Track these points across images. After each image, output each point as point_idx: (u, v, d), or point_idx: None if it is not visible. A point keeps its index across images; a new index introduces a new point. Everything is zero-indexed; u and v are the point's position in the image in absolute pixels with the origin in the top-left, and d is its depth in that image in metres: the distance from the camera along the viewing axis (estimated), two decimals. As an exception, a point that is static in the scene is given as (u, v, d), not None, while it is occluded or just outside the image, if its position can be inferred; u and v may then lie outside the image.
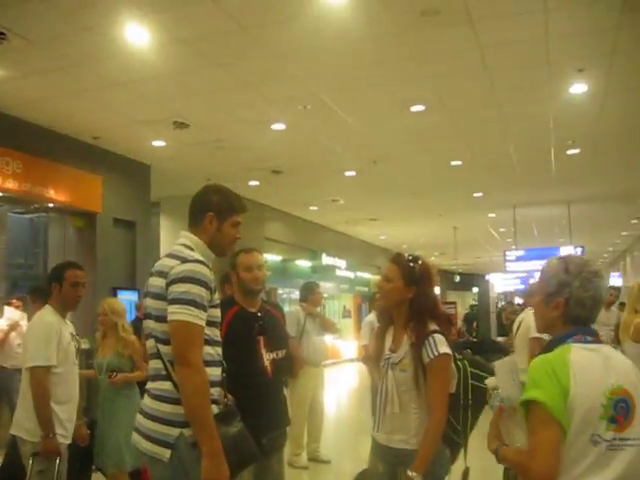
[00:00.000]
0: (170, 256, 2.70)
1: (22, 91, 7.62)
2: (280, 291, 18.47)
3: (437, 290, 33.21)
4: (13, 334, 7.41)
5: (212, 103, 8.22)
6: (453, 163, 11.68)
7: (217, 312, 2.72)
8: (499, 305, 22.02)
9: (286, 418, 3.88)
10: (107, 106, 8.22)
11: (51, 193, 8.90)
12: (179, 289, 2.53)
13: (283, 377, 3.97)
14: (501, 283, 19.81)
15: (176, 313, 2.50)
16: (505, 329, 14.27)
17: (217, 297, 2.71)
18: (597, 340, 2.14)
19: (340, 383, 12.03)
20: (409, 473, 2.83)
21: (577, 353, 2.05)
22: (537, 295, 2.31)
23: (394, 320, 3.14)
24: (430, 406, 2.92)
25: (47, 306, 3.99)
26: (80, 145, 9.61)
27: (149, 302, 2.69)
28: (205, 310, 2.56)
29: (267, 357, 3.69)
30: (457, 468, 3.09)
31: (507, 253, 17.38)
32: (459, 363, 3.06)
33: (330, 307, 22.20)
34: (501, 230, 20.28)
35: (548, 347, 2.15)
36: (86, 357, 9.28)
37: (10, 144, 8.25)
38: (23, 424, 3.77)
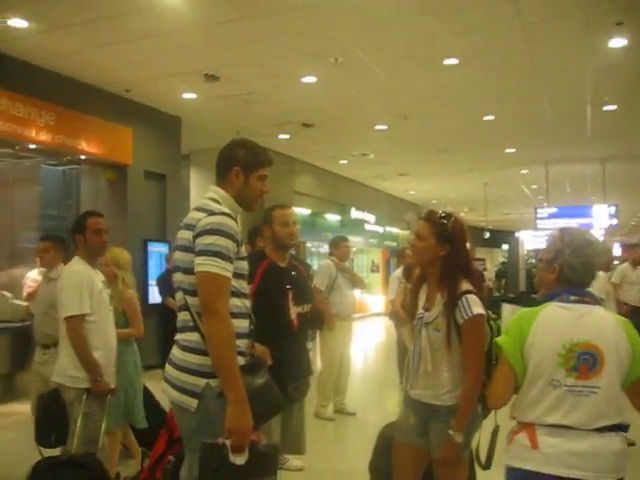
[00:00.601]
0: (198, 209, 2.73)
1: (53, 43, 7.64)
2: (309, 245, 18.54)
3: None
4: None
5: (243, 56, 8.16)
6: (485, 118, 11.49)
7: (244, 265, 2.76)
8: (529, 262, 21.85)
9: (309, 369, 4.04)
10: (138, 58, 8.21)
11: (83, 145, 8.98)
12: (206, 241, 2.56)
13: (309, 330, 4.08)
14: (531, 240, 19.58)
15: (203, 265, 2.54)
16: (534, 286, 14.19)
17: (244, 250, 2.75)
18: (581, 300, 2.46)
19: (367, 337, 12.13)
20: (450, 432, 2.87)
21: (549, 310, 2.46)
22: (541, 261, 2.66)
23: (427, 278, 3.13)
24: (466, 366, 2.92)
25: (75, 257, 4.05)
26: (111, 97, 9.65)
27: (178, 255, 2.73)
28: (232, 262, 2.59)
29: (294, 310, 3.85)
30: (487, 424, 3.10)
31: (538, 210, 17.16)
32: (492, 323, 3.03)
33: (358, 261, 22.25)
34: (533, 187, 20.00)
35: (532, 303, 2.57)
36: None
37: (43, 96, 8.31)
38: (65, 372, 3.87)
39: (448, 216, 3.08)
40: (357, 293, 7.47)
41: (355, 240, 20.29)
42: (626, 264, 9.61)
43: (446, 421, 2.92)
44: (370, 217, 21.01)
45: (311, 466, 5.50)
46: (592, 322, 2.41)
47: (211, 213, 2.64)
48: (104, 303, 3.99)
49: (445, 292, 2.97)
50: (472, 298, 2.92)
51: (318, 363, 7.43)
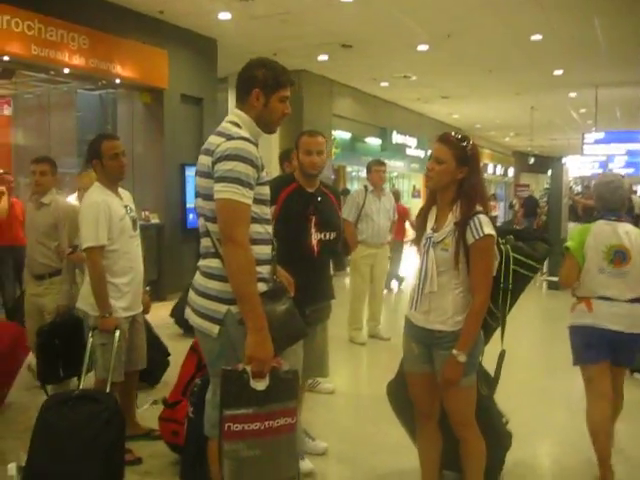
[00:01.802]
0: (217, 134, 2.66)
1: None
2: (349, 169, 18.40)
3: (510, 172, 32.42)
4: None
5: (277, -27, 7.88)
6: (533, 38, 10.99)
7: (265, 190, 2.69)
8: (574, 190, 21.34)
9: (330, 293, 4.04)
10: (170, -23, 8.00)
11: (117, 69, 8.88)
12: (225, 167, 2.49)
13: (330, 257, 4.08)
14: (578, 167, 19.06)
15: (222, 191, 2.48)
16: (578, 216, 13.86)
17: (265, 174, 2.67)
18: (618, 220, 3.83)
19: (404, 263, 12.09)
20: (454, 352, 2.87)
21: (597, 225, 3.83)
22: (584, 194, 4.40)
23: (438, 201, 3.09)
24: (474, 287, 2.91)
25: (94, 184, 4.01)
26: (145, 19, 9.48)
27: (198, 180, 2.69)
28: (252, 188, 2.53)
29: (315, 237, 3.81)
30: (489, 350, 3.11)
31: (586, 135, 16.65)
32: (502, 247, 3.04)
33: (399, 186, 22.05)
34: (581, 111, 19.33)
35: (588, 221, 3.99)
36: (156, 232, 9.64)
37: (75, 19, 8.18)
38: (88, 299, 3.91)
39: (465, 138, 3.03)
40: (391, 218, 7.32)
41: (396, 165, 20.04)
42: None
43: (450, 348, 2.91)
44: (412, 141, 20.65)
45: (342, 389, 5.58)
46: (623, 232, 3.76)
47: (230, 138, 2.57)
48: (126, 229, 3.96)
49: (458, 212, 2.94)
50: (484, 218, 2.91)
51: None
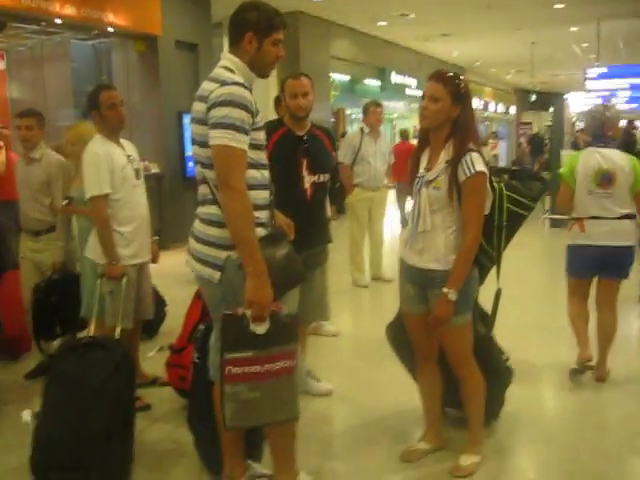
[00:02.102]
0: (210, 79, 2.64)
1: None
2: (348, 111, 18.19)
3: (512, 110, 32.05)
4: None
5: None
6: (532, -30, 10.76)
7: (261, 135, 2.69)
8: (577, 126, 21.12)
9: (326, 236, 4.12)
10: None
11: (110, 17, 8.72)
12: (219, 113, 2.48)
13: (324, 199, 4.10)
14: (581, 103, 18.81)
15: (217, 138, 2.48)
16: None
17: (260, 119, 2.66)
18: (603, 145, 4.25)
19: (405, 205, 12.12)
20: (444, 290, 2.90)
21: (586, 152, 4.30)
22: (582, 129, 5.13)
23: (431, 141, 3.08)
24: (465, 225, 2.93)
25: (95, 136, 3.99)
26: (136, -37, 9.25)
27: (193, 127, 2.68)
28: (247, 133, 2.52)
29: (308, 180, 3.85)
30: (484, 289, 3.16)
31: (588, 70, 16.37)
32: (495, 185, 3.04)
33: (400, 127, 21.85)
34: (583, 45, 18.95)
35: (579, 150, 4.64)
36: (157, 182, 9.62)
37: (65, -34, 7.99)
38: (95, 248, 3.96)
39: (458, 76, 3.02)
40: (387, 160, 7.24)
41: (396, 106, 19.82)
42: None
43: (444, 287, 2.93)
44: (411, 81, 20.37)
45: (345, 332, 5.65)
46: (609, 157, 4.21)
47: (223, 83, 2.55)
48: (129, 178, 3.96)
49: (451, 149, 2.93)
50: (476, 156, 2.91)
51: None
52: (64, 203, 4.41)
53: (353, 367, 4.90)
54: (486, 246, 3.02)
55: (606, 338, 4.38)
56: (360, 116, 17.74)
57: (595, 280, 4.43)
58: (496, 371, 3.42)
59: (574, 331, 4.46)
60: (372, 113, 7.10)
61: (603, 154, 4.17)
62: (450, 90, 2.93)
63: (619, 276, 4.34)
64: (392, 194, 9.74)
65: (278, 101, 5.19)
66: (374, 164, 7.08)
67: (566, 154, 5.92)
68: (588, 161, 4.18)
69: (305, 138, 3.89)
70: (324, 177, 3.93)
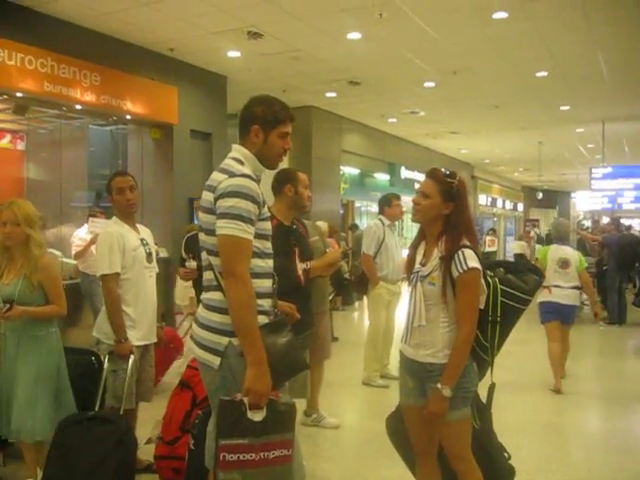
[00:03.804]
0: (220, 170, 2.71)
1: (97, 3, 7.67)
2: (357, 204, 18.46)
3: (520, 207, 32.39)
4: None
5: (286, 12, 8.02)
6: (538, 74, 11.13)
7: (267, 225, 2.75)
8: (582, 225, 21.29)
9: (312, 321, 4.35)
10: (181, 17, 8.18)
11: (128, 105, 9.05)
12: (226, 203, 2.55)
13: (310, 285, 4.39)
14: (587, 202, 19.03)
15: (224, 227, 2.54)
16: (586, 250, 13.83)
17: (266, 210, 2.72)
18: (563, 244, 7.06)
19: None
20: (438, 386, 2.87)
21: (553, 247, 7.10)
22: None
23: (426, 235, 3.12)
24: (459, 320, 2.92)
25: (113, 217, 4.17)
26: (156, 57, 9.67)
27: (201, 215, 2.74)
28: (253, 224, 2.58)
29: (299, 267, 4.12)
30: (484, 384, 3.12)
31: (593, 170, 16.65)
32: (489, 279, 3.04)
33: (408, 221, 22.06)
34: (589, 146, 19.40)
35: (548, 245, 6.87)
36: (165, 266, 9.67)
37: (87, 57, 8.38)
38: (101, 327, 4.01)
39: (453, 175, 3.06)
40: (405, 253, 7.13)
41: (405, 200, 20.05)
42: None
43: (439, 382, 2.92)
44: (420, 177, 20.72)
45: (347, 424, 5.54)
46: (566, 251, 6.97)
47: (232, 175, 2.63)
48: (139, 260, 4.05)
49: (443, 246, 2.96)
50: (468, 252, 2.92)
51: (365, 326, 7.31)
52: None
53: (353, 463, 4.78)
54: (484, 341, 3.00)
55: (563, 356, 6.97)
56: (370, 209, 18.20)
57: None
58: (497, 469, 3.32)
59: (552, 364, 6.74)
60: (396, 206, 7.01)
61: (563, 249, 6.98)
62: (441, 188, 2.99)
63: (570, 322, 7.04)
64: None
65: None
66: (396, 256, 6.91)
67: (541, 248, 8.76)
68: (554, 252, 6.94)
69: (295, 228, 4.18)
70: (309, 264, 4.24)
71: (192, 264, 5.91)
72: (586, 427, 5.70)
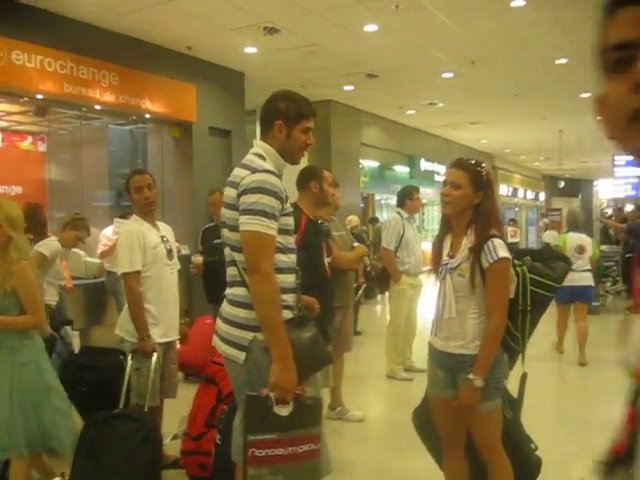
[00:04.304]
0: (242, 166, 2.72)
1: (114, 3, 7.71)
2: (377, 197, 18.41)
3: (541, 197, 32.10)
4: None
5: (301, 6, 8.01)
6: (557, 62, 11.01)
7: (290, 220, 2.75)
8: (606, 213, 21.06)
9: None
10: (197, 14, 8.19)
11: (147, 104, 9.09)
12: (249, 200, 2.55)
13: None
14: (609, 189, 18.83)
15: (247, 224, 2.54)
16: (610, 237, 13.68)
17: (289, 206, 2.72)
18: (578, 231, 7.86)
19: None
20: (470, 376, 2.85)
21: (570, 234, 7.85)
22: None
23: (453, 227, 3.10)
24: (489, 310, 2.90)
25: (133, 216, 4.22)
26: (173, 55, 9.71)
27: (224, 211, 2.75)
28: (276, 220, 2.58)
29: (326, 262, 4.26)
30: (514, 374, 3.10)
31: (616, 157, 16.44)
32: (518, 269, 3.02)
33: (429, 213, 22.01)
34: (611, 132, 19.14)
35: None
36: (186, 263, 9.72)
37: (106, 57, 8.44)
38: (124, 325, 4.05)
39: (480, 163, 3.05)
40: (425, 246, 7.18)
41: (425, 192, 19.98)
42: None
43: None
44: (440, 168, 20.62)
45: (372, 417, 5.55)
46: (581, 238, 7.71)
47: (254, 171, 2.63)
48: (160, 257, 4.07)
49: (473, 236, 2.94)
50: (498, 242, 2.91)
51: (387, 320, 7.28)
52: None
53: (379, 455, 4.79)
54: (514, 331, 2.98)
55: (583, 337, 7.50)
56: (389, 202, 18.16)
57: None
58: (524, 460, 3.31)
59: (557, 332, 7.89)
60: (416, 199, 6.99)
61: (579, 236, 7.71)
62: (471, 178, 2.97)
63: (587, 301, 7.75)
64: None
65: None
66: (416, 249, 6.88)
67: (558, 235, 9.94)
68: (572, 239, 7.65)
69: (322, 224, 4.31)
70: (329, 259, 4.41)
71: (198, 259, 5.94)
72: (611, 417, 5.64)
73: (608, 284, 11.99)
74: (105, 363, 4.15)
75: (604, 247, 12.29)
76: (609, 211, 22.77)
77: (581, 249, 7.49)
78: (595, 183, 32.35)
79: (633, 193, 17.51)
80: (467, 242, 2.97)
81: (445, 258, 3.06)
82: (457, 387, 3.00)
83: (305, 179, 4.36)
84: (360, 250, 5.23)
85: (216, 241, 4.79)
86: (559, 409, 5.64)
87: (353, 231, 9.06)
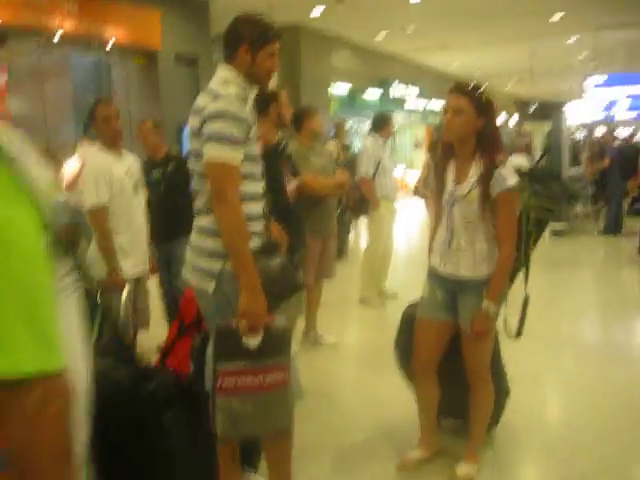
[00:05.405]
0: (205, 93, 2.65)
1: None
2: (349, 123, 18.24)
3: (513, 120, 32.13)
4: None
5: None
6: (528, -18, 10.84)
7: (256, 147, 2.70)
8: (577, 137, 21.11)
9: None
10: None
11: (110, 32, 8.84)
12: (213, 127, 2.49)
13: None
14: (581, 113, 18.78)
15: (210, 152, 2.50)
16: (578, 160, 13.80)
17: (255, 131, 2.67)
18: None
19: (409, 216, 12.13)
20: (484, 304, 2.90)
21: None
22: None
23: (457, 154, 3.04)
24: (500, 238, 2.93)
25: (97, 147, 4.06)
26: (136, -21, 9.35)
27: (190, 140, 2.69)
28: (241, 146, 2.54)
29: (292, 184, 4.27)
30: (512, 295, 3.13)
31: (588, 79, 16.38)
32: (522, 195, 3.04)
33: (400, 138, 21.90)
34: (582, 55, 19.05)
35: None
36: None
37: (64, -18, 8.10)
38: (94, 261, 3.97)
39: (479, 87, 2.99)
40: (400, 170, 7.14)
41: (396, 117, 19.86)
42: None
43: (478, 294, 2.94)
44: (412, 91, 20.41)
45: (345, 342, 5.65)
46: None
47: (217, 96, 2.56)
48: (126, 190, 4.01)
49: (481, 163, 2.92)
50: (506, 170, 2.91)
51: (358, 247, 7.31)
52: None
53: (353, 377, 4.91)
54: (516, 252, 3.00)
55: None
56: (362, 127, 18.00)
57: None
58: (499, 378, 3.42)
59: None
60: (390, 125, 6.93)
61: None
62: (473, 102, 2.91)
63: None
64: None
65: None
66: (391, 173, 6.94)
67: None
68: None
69: (282, 145, 4.20)
70: (299, 179, 4.41)
71: None
72: (580, 337, 5.81)
73: (577, 207, 12.12)
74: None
75: (573, 169, 12.37)
76: (578, 136, 22.82)
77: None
78: (566, 107, 32.32)
79: (603, 115, 17.51)
80: (476, 169, 2.94)
81: (451, 185, 3.02)
82: (452, 311, 3.06)
83: (263, 104, 4.26)
84: (339, 177, 5.17)
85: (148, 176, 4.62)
86: (526, 329, 5.78)
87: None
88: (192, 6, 10.56)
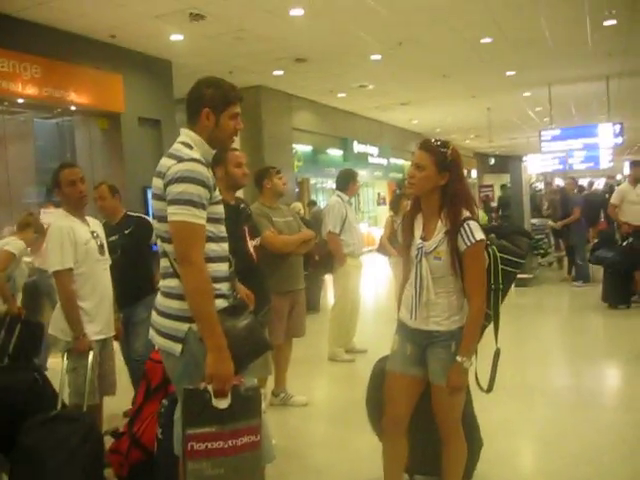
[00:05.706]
0: (168, 155, 2.68)
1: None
2: (313, 181, 18.46)
3: (473, 174, 32.76)
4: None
5: (226, -8, 7.93)
6: (483, 41, 11.21)
7: (219, 209, 2.73)
8: (536, 187, 21.61)
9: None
10: (119, 2, 7.99)
11: (72, 96, 8.86)
12: (176, 189, 2.52)
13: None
14: (538, 164, 19.24)
15: (175, 214, 2.51)
16: (540, 210, 14.08)
17: (217, 194, 2.71)
18: None
19: (375, 271, 12.19)
20: (458, 359, 2.90)
21: None
22: None
23: (423, 208, 3.09)
24: (470, 293, 2.95)
25: (60, 211, 4.09)
26: (97, 45, 9.47)
27: (153, 203, 2.71)
28: (204, 208, 2.56)
29: (251, 245, 4.18)
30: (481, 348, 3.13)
31: (542, 133, 16.85)
32: (489, 249, 3.05)
33: (365, 195, 22.19)
34: (537, 109, 19.66)
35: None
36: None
37: (26, 49, 8.18)
38: (57, 324, 3.96)
39: (445, 144, 3.03)
40: (364, 227, 7.23)
41: (359, 174, 20.11)
42: (625, 183, 9.53)
43: (447, 346, 2.95)
44: (373, 149, 20.77)
45: (316, 401, 5.59)
46: None
47: (180, 160, 2.60)
48: (92, 253, 4.00)
49: (447, 220, 2.95)
50: (474, 224, 2.94)
51: (330, 302, 7.30)
52: None
53: (325, 436, 4.85)
54: (486, 308, 3.01)
55: None
56: (325, 185, 18.16)
57: None
58: (471, 429, 3.40)
59: None
60: (356, 182, 7.09)
61: None
62: (435, 159, 2.96)
63: None
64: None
65: (259, 176, 5.34)
66: (357, 230, 7.02)
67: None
68: None
69: (241, 207, 4.26)
70: (257, 241, 4.43)
71: None
72: (549, 384, 5.84)
73: (539, 257, 12.30)
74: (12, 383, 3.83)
75: (534, 220, 12.60)
76: (539, 185, 23.34)
77: None
78: (525, 159, 33.14)
79: (560, 167, 17.91)
80: (442, 225, 2.97)
81: (418, 241, 3.05)
82: (422, 365, 3.06)
83: (213, 166, 4.31)
84: (303, 234, 5.24)
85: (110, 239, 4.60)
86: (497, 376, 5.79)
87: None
88: (155, 69, 10.69)
